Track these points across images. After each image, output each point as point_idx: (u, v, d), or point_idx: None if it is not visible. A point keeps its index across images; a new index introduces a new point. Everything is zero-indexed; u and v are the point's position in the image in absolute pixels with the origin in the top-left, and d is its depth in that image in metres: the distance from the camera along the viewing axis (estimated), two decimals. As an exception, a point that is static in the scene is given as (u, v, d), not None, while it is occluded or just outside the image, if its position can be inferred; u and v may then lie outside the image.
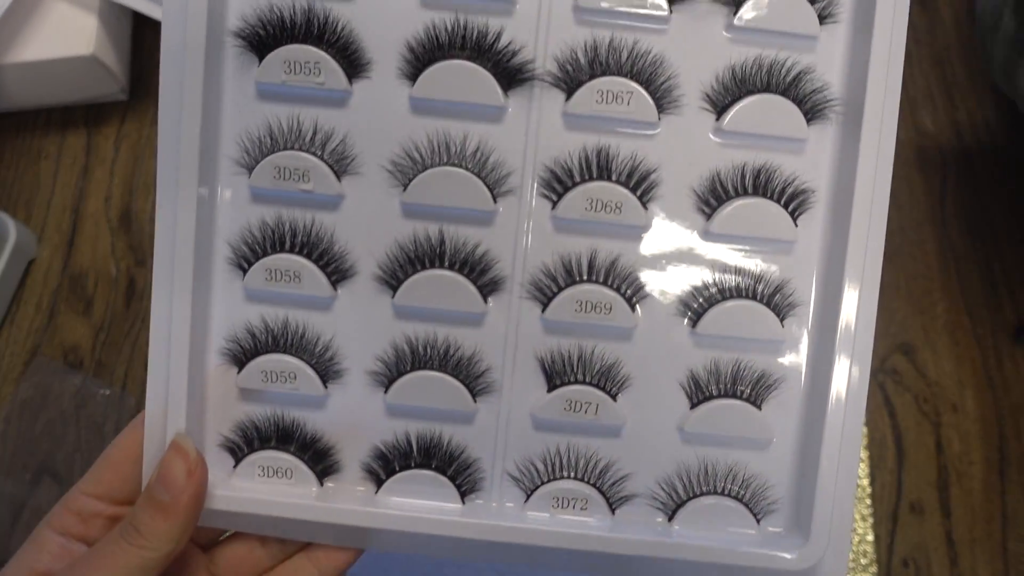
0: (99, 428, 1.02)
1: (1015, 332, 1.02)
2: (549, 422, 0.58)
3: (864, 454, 0.97)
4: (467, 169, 0.57)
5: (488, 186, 0.57)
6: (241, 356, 0.58)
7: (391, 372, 0.58)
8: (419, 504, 0.58)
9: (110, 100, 1.21)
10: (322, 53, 0.56)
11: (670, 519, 0.59)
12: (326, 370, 0.58)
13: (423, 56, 0.57)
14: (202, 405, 0.58)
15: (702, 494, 0.59)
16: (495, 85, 0.56)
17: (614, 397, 0.58)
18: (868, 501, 0.96)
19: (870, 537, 0.95)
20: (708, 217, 0.57)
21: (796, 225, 0.57)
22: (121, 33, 1.21)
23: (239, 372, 0.57)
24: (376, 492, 0.58)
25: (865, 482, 0.97)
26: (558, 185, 0.57)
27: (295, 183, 0.56)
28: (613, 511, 0.59)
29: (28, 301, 1.11)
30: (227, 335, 0.58)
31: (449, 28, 0.57)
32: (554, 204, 0.57)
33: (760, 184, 0.58)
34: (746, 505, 0.59)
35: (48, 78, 1.15)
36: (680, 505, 0.59)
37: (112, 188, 1.18)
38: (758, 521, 0.59)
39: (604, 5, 0.56)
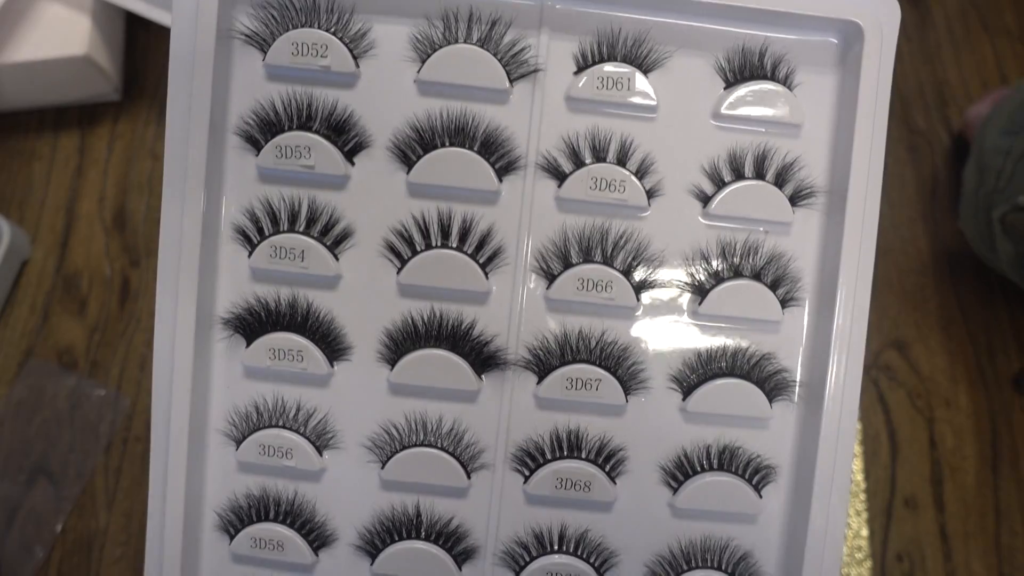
0: (94, 428, 1.05)
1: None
2: None
3: (858, 450, 1.00)
4: (442, 448, 0.59)
5: (462, 463, 0.59)
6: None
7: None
8: None
9: (103, 100, 1.23)
10: (304, 341, 0.58)
11: None
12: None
13: (401, 343, 0.59)
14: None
15: None
16: (469, 371, 0.58)
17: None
18: (862, 496, 0.99)
19: (864, 532, 0.98)
20: (675, 491, 0.60)
21: (760, 497, 0.60)
22: (114, 33, 1.21)
23: None
24: None
25: (859, 477, 1.00)
26: (530, 461, 0.60)
27: (279, 459, 0.59)
28: None
29: (22, 302, 1.13)
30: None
31: (425, 318, 0.59)
32: (526, 479, 0.60)
33: (725, 461, 0.60)
34: None
35: (42, 79, 1.16)
36: None
37: (106, 188, 1.19)
38: None
39: (574, 297, 0.58)
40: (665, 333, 0.60)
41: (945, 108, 1.17)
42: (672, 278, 0.60)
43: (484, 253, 0.59)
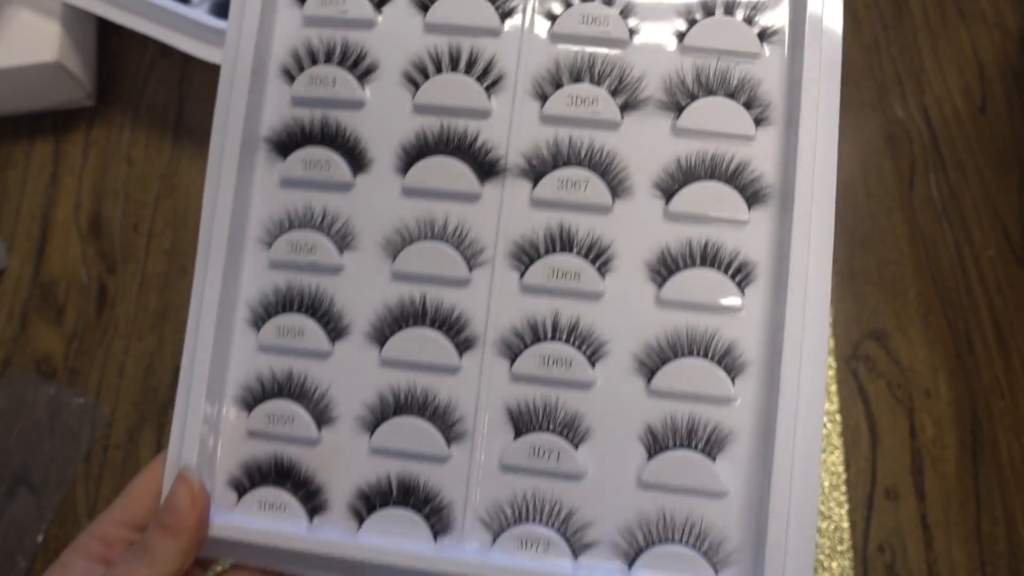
0: (74, 436, 1.08)
1: None
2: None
3: (838, 441, 1.03)
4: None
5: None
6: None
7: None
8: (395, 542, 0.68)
9: (77, 106, 1.25)
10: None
11: (630, 566, 0.66)
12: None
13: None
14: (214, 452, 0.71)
15: (660, 543, 0.66)
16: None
17: None
18: (843, 488, 1.02)
19: (845, 524, 1.01)
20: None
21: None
22: (86, 39, 1.23)
23: None
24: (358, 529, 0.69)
25: (840, 468, 1.02)
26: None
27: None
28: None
29: (-1, 311, 1.14)
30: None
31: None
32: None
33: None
34: (704, 555, 0.65)
35: (13, 86, 1.18)
36: (639, 553, 0.66)
37: (81, 195, 1.22)
38: (716, 572, 0.65)
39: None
40: (647, 143, 0.70)
41: (923, 96, 1.19)
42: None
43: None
